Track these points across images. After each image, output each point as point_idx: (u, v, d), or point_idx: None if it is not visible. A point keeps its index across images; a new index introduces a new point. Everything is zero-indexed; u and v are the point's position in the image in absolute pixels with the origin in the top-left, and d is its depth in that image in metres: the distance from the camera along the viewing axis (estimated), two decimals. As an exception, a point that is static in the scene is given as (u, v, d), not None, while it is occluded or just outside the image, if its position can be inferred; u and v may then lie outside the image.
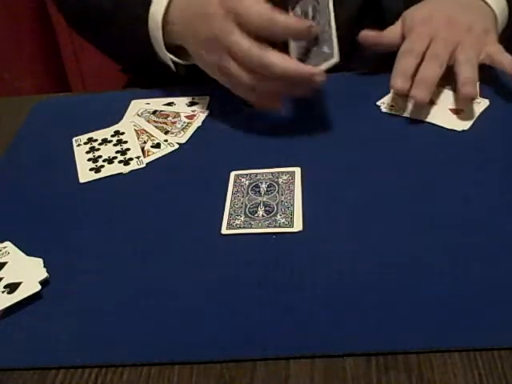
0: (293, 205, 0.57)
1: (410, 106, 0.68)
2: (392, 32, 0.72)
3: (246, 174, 0.61)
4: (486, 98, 0.68)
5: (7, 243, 0.55)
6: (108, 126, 0.71)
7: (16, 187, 0.64)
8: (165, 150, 0.66)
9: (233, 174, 0.61)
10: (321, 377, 0.43)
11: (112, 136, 0.69)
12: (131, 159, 0.65)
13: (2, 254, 0.54)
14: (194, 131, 0.69)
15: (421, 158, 0.60)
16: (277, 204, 0.57)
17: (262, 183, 0.59)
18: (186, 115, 0.71)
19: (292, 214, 0.56)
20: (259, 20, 0.59)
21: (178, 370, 0.45)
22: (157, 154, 0.66)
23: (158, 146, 0.67)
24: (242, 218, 0.56)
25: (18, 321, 0.49)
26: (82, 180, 0.63)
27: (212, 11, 0.61)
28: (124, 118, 0.72)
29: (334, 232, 0.54)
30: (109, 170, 0.64)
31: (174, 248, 0.54)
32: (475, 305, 0.46)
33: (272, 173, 0.61)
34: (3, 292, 0.50)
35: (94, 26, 0.78)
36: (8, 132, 0.73)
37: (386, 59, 0.69)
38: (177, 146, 0.67)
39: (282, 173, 0.61)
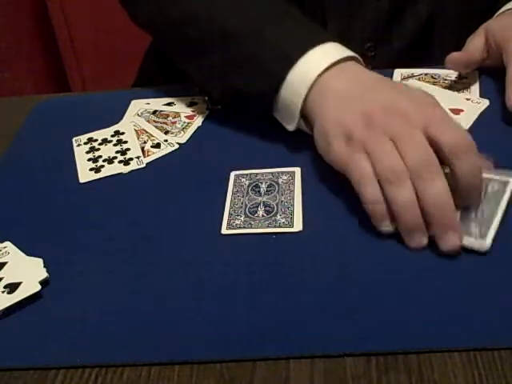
0: (293, 205, 0.57)
1: None
2: (475, 47, 0.69)
3: (246, 174, 0.61)
4: (485, 98, 0.68)
5: (7, 243, 0.55)
6: (108, 126, 0.71)
7: (16, 187, 0.64)
8: (165, 150, 0.66)
9: (233, 173, 0.61)
10: (321, 377, 0.43)
11: (112, 136, 0.69)
12: (131, 159, 0.65)
13: (2, 253, 0.54)
14: (194, 131, 0.69)
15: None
16: (277, 204, 0.57)
17: (261, 183, 0.60)
18: (186, 115, 0.71)
19: (292, 214, 0.56)
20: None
21: (178, 370, 0.45)
22: (157, 153, 0.66)
23: (158, 146, 0.67)
24: (242, 218, 0.56)
25: (18, 321, 0.49)
26: (82, 180, 0.63)
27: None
28: (124, 117, 0.72)
29: (334, 232, 0.54)
30: (109, 170, 0.64)
31: (174, 248, 0.54)
32: (475, 305, 0.46)
33: (272, 173, 0.61)
34: (3, 292, 0.50)
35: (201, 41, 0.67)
36: (8, 132, 0.73)
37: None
38: (177, 146, 0.67)
39: (282, 173, 0.61)
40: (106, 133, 0.70)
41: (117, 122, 0.71)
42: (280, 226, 0.55)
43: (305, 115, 0.61)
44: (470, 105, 0.68)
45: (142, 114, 0.72)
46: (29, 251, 0.54)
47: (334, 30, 0.79)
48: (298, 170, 0.61)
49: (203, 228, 0.56)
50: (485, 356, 0.43)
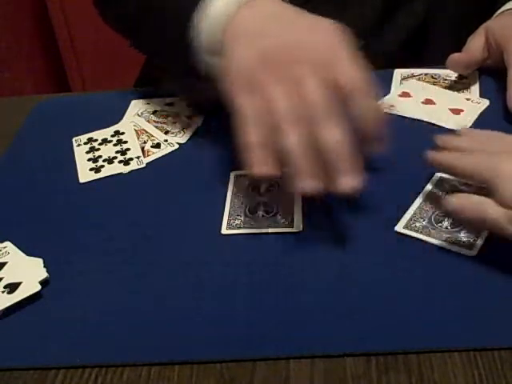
0: (293, 205, 0.57)
1: (410, 106, 0.68)
2: (476, 47, 0.69)
3: (246, 174, 0.61)
4: (485, 98, 0.68)
5: (7, 243, 0.55)
6: (108, 126, 0.71)
7: (16, 187, 0.64)
8: (165, 149, 0.66)
9: (233, 174, 0.61)
10: (321, 377, 0.43)
11: (112, 136, 0.69)
12: (131, 159, 0.65)
13: (2, 253, 0.54)
14: (194, 131, 0.69)
15: (421, 158, 0.60)
16: (277, 204, 0.57)
17: (262, 183, 0.59)
18: (186, 115, 0.71)
19: (292, 214, 0.56)
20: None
21: (178, 370, 0.45)
22: (157, 153, 0.66)
23: (158, 146, 0.67)
24: (241, 218, 0.56)
25: (18, 321, 0.49)
26: (82, 180, 0.63)
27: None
28: (124, 118, 0.72)
29: (334, 232, 0.54)
30: (109, 170, 0.64)
31: (174, 248, 0.54)
32: (475, 305, 0.46)
33: None
34: (3, 292, 0.50)
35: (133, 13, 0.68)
36: (8, 132, 0.73)
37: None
38: (177, 146, 0.67)
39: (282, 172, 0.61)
40: (106, 133, 0.70)
41: (117, 122, 0.71)
42: (280, 226, 0.55)
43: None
44: (470, 105, 0.68)
45: (141, 114, 0.72)
46: (29, 251, 0.54)
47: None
48: None
49: (203, 228, 0.56)
50: (485, 356, 0.43)
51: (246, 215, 0.56)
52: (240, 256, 0.53)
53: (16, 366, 0.46)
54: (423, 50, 0.82)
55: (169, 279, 0.51)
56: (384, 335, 0.45)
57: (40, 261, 0.53)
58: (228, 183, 0.60)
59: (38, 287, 0.50)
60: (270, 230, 0.54)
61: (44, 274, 0.51)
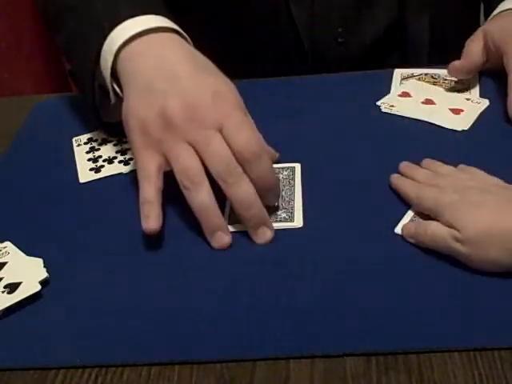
0: (293, 200, 0.57)
1: (410, 106, 0.68)
2: (475, 52, 0.69)
3: None
4: (485, 98, 0.68)
5: (7, 243, 0.55)
6: (108, 126, 0.71)
7: (16, 187, 0.64)
8: (165, 150, 0.66)
9: None
10: (321, 377, 0.43)
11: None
12: (131, 159, 0.65)
13: (2, 254, 0.54)
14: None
15: (421, 158, 0.60)
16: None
17: None
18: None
19: (293, 209, 0.56)
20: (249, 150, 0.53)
21: (178, 370, 0.45)
22: (157, 153, 0.66)
23: (158, 145, 0.67)
24: None
25: (18, 321, 0.49)
26: (82, 180, 0.63)
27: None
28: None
29: (335, 229, 0.54)
30: (109, 170, 0.64)
31: (174, 248, 0.54)
32: (475, 305, 0.46)
33: None
34: (3, 292, 0.50)
35: (53, 18, 0.70)
36: (8, 132, 0.73)
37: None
38: (177, 146, 0.66)
39: (283, 168, 0.61)
40: (106, 133, 0.70)
41: (117, 122, 0.71)
42: (281, 221, 0.55)
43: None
44: (470, 105, 0.68)
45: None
46: (29, 251, 0.54)
47: (302, 15, 0.78)
48: (297, 166, 0.61)
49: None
50: (485, 356, 0.43)
51: None
52: (240, 256, 0.53)
53: (16, 366, 0.46)
54: (399, 43, 0.82)
55: (169, 279, 0.51)
56: (384, 335, 0.45)
57: (40, 261, 0.53)
58: None
59: (38, 287, 0.50)
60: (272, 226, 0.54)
61: (44, 274, 0.51)
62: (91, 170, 0.64)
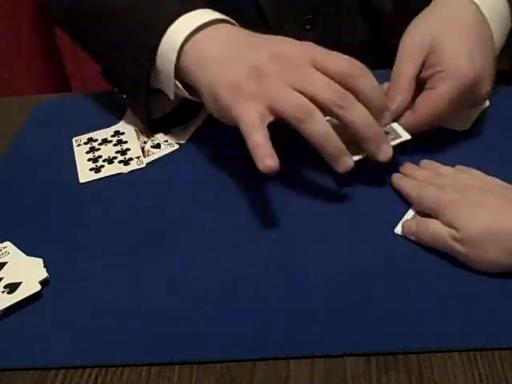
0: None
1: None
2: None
3: None
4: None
5: (7, 243, 0.55)
6: (108, 126, 0.71)
7: (16, 187, 0.64)
8: (165, 150, 0.66)
9: None
10: (321, 377, 0.43)
11: (112, 136, 0.69)
12: (131, 159, 0.65)
13: (2, 254, 0.54)
14: (194, 131, 0.69)
15: (420, 158, 0.60)
16: None
17: None
18: (186, 115, 0.71)
19: (391, 128, 0.58)
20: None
21: (178, 370, 0.45)
22: (157, 154, 0.66)
23: (158, 146, 0.67)
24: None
25: (18, 321, 0.49)
26: (82, 180, 0.63)
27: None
28: (124, 118, 0.72)
29: (335, 231, 0.54)
30: (109, 170, 0.64)
31: (174, 248, 0.54)
32: (475, 305, 0.46)
33: None
34: (3, 292, 0.50)
35: (91, 21, 0.70)
36: (8, 132, 0.73)
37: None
38: (177, 147, 0.67)
39: None
40: (106, 133, 0.70)
41: (117, 122, 0.71)
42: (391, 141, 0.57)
43: (187, 83, 0.61)
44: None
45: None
46: (29, 251, 0.54)
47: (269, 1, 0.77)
48: None
49: (204, 228, 0.56)
50: (485, 356, 0.43)
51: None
52: (240, 256, 0.53)
53: (16, 366, 0.46)
54: (371, 34, 0.80)
55: (169, 279, 0.51)
56: (384, 335, 0.45)
57: (40, 261, 0.53)
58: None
59: (38, 287, 0.50)
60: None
61: (44, 274, 0.51)
62: (91, 169, 0.64)
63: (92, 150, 0.67)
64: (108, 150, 0.67)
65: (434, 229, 0.50)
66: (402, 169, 0.59)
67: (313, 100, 0.53)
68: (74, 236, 0.57)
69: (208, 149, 0.66)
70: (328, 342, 0.45)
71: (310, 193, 0.58)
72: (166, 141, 0.67)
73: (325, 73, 0.54)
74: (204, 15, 0.61)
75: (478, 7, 0.61)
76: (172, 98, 0.64)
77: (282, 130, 0.66)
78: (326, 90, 0.53)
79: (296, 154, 0.63)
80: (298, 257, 0.52)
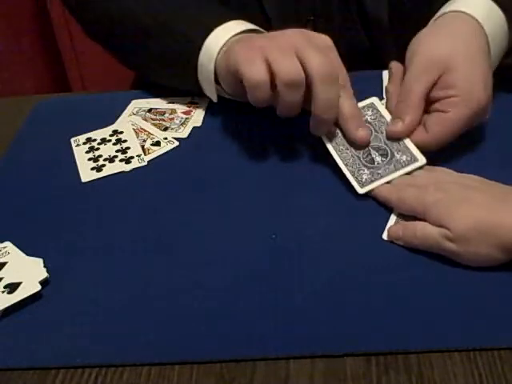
0: (402, 140, 0.58)
1: None
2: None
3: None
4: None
5: (7, 243, 0.55)
6: (108, 126, 0.70)
7: (16, 187, 0.64)
8: (165, 147, 0.66)
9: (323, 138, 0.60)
10: (321, 377, 0.43)
11: (110, 135, 0.69)
12: (132, 157, 0.65)
13: (2, 254, 0.54)
14: (195, 129, 0.69)
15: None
16: (386, 145, 0.58)
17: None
18: (183, 111, 0.72)
19: (407, 149, 0.57)
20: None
21: (178, 370, 0.45)
22: (157, 151, 0.66)
23: (157, 143, 0.67)
24: (366, 171, 0.57)
25: (18, 321, 0.49)
26: (84, 179, 0.63)
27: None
28: (121, 117, 0.72)
29: (335, 231, 0.54)
30: (110, 169, 0.64)
31: (175, 247, 0.54)
32: (475, 305, 0.46)
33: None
34: (3, 292, 0.50)
35: (127, 40, 0.73)
36: (8, 132, 0.73)
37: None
38: (177, 144, 0.67)
39: (363, 108, 0.60)
40: (104, 132, 0.70)
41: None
42: (406, 165, 0.56)
43: (220, 81, 0.65)
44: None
45: (137, 112, 0.72)
46: (29, 251, 0.54)
47: (272, 1, 0.78)
48: (375, 99, 0.61)
49: (204, 228, 0.56)
50: (485, 356, 0.43)
51: (366, 167, 0.57)
52: (240, 256, 0.53)
53: (16, 366, 0.46)
54: (372, 35, 0.80)
55: (169, 279, 0.51)
56: (384, 335, 0.45)
57: (40, 261, 0.53)
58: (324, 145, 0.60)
59: (38, 287, 0.50)
60: (402, 172, 0.56)
61: (44, 274, 0.51)
62: (93, 169, 0.64)
63: (91, 149, 0.67)
64: (108, 149, 0.67)
65: (424, 231, 0.50)
66: None
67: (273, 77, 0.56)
68: (74, 236, 0.57)
69: (209, 145, 0.66)
70: (328, 342, 0.45)
71: (309, 193, 0.58)
72: (166, 138, 0.67)
73: (302, 65, 0.56)
74: (237, 26, 0.64)
75: (482, 27, 0.61)
76: (215, 100, 0.68)
77: (282, 131, 0.66)
78: (286, 75, 0.56)
79: (296, 154, 0.64)
80: (297, 257, 0.52)
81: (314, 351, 0.44)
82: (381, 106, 0.60)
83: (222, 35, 0.64)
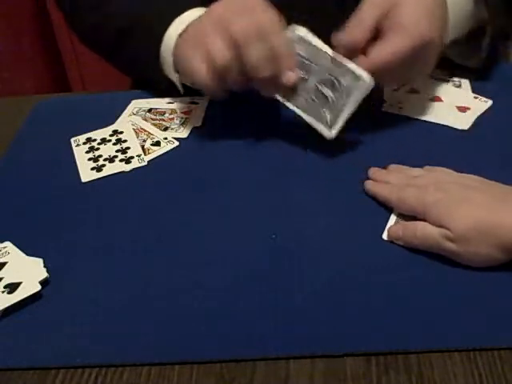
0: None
1: (417, 102, 0.68)
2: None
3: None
4: (488, 98, 0.69)
5: (7, 243, 0.55)
6: (108, 126, 0.71)
7: (16, 187, 0.64)
8: (165, 147, 0.66)
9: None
10: (321, 377, 0.43)
11: (110, 135, 0.69)
12: (132, 157, 0.65)
13: (2, 254, 0.54)
14: (195, 129, 0.69)
15: (420, 157, 0.60)
16: (329, 74, 0.59)
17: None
18: (183, 111, 0.72)
19: (348, 69, 0.58)
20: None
21: (178, 370, 0.45)
22: (157, 151, 0.66)
23: (157, 143, 0.67)
24: (326, 110, 0.59)
25: (18, 321, 0.49)
26: (84, 179, 0.63)
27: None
28: (120, 117, 0.72)
29: (335, 231, 0.54)
30: (110, 169, 0.64)
31: (175, 248, 0.54)
32: (475, 305, 0.46)
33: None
34: (3, 292, 0.50)
35: (109, 44, 0.76)
36: (8, 132, 0.73)
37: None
38: (177, 144, 0.67)
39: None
40: (104, 132, 0.70)
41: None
42: (355, 87, 0.58)
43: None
44: (478, 103, 0.68)
45: (137, 112, 0.72)
46: (29, 251, 0.54)
47: None
48: (303, 31, 0.61)
49: (204, 228, 0.56)
50: (485, 356, 0.43)
51: (324, 106, 0.60)
52: (240, 256, 0.53)
53: (16, 366, 0.46)
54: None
55: (169, 279, 0.51)
56: (384, 335, 0.45)
57: (40, 261, 0.53)
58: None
59: (38, 287, 0.50)
60: (356, 97, 0.58)
61: (44, 274, 0.51)
62: (93, 169, 0.64)
63: (91, 149, 0.67)
64: (108, 149, 0.67)
65: (424, 231, 0.50)
66: (370, 175, 0.59)
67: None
68: (74, 236, 0.57)
69: (209, 145, 0.66)
70: (328, 342, 0.45)
71: (309, 193, 0.58)
72: (166, 138, 0.67)
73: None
74: (192, 15, 0.66)
75: None
76: (182, 91, 0.71)
77: (282, 131, 0.66)
78: (217, 63, 0.59)
79: (296, 154, 0.64)
80: (297, 257, 0.52)
81: (314, 351, 0.44)
82: (311, 37, 0.61)
83: (177, 27, 0.66)
